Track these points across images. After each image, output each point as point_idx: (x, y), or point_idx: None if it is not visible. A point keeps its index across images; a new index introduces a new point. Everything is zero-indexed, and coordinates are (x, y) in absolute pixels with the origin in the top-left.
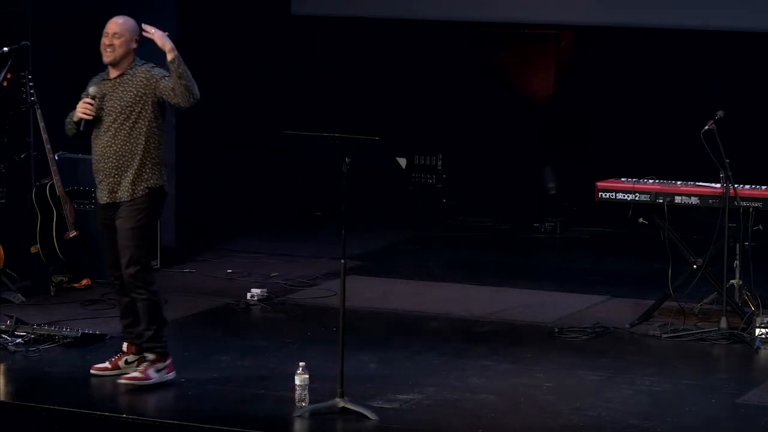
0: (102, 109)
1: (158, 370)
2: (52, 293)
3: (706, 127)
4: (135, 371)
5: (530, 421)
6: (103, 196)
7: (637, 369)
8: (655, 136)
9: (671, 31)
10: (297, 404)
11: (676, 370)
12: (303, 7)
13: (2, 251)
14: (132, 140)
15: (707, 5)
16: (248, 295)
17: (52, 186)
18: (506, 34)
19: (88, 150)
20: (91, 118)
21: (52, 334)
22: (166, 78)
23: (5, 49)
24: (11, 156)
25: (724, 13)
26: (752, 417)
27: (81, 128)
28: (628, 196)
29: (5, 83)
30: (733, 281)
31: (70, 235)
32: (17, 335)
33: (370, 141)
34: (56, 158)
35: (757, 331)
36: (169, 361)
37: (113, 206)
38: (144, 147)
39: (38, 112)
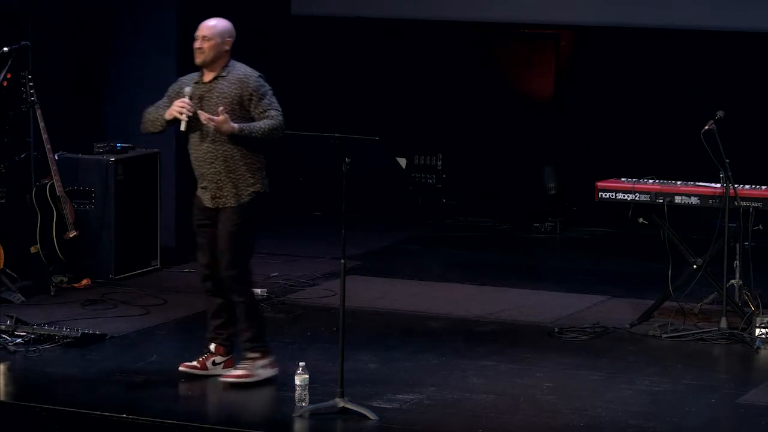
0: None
1: (263, 367)
2: (52, 293)
3: (706, 127)
4: (238, 369)
5: (530, 421)
6: (207, 200)
7: (637, 369)
8: (655, 136)
9: (671, 31)
10: (297, 404)
11: (676, 370)
12: (303, 7)
13: (2, 251)
14: (233, 144)
15: (707, 5)
16: None
17: (52, 186)
18: (506, 34)
19: (87, 150)
20: (186, 118)
21: (52, 334)
22: (257, 106)
23: (5, 49)
24: (11, 156)
25: (724, 13)
26: (752, 417)
27: (180, 129)
28: (628, 196)
29: (5, 83)
30: (733, 281)
31: (70, 235)
32: (17, 335)
33: (370, 141)
34: (56, 158)
35: (757, 331)
36: (272, 358)
37: (216, 211)
38: (246, 151)
39: (38, 112)
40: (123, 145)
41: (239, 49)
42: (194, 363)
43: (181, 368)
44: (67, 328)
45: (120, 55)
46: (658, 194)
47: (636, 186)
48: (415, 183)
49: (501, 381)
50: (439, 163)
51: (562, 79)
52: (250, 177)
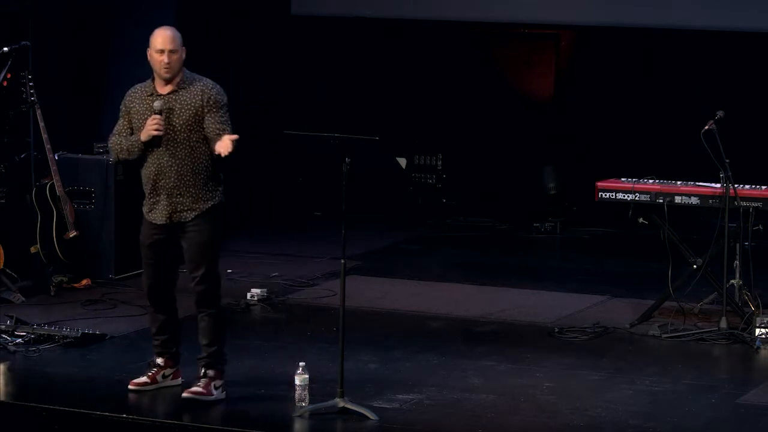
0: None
1: (217, 387)
2: (52, 293)
3: (706, 127)
4: (197, 386)
5: (530, 421)
6: (161, 217)
7: (637, 369)
8: (655, 136)
9: (671, 31)
10: (297, 404)
11: (676, 370)
12: (303, 7)
13: (2, 251)
14: (193, 158)
15: (707, 5)
16: (248, 295)
17: (52, 186)
18: (506, 34)
19: (87, 150)
20: (162, 133)
21: (52, 334)
22: (214, 115)
23: (5, 49)
24: (11, 156)
25: (724, 13)
26: (752, 417)
27: (156, 146)
28: (628, 196)
29: (5, 83)
30: (733, 281)
31: (70, 235)
32: (17, 335)
33: (370, 141)
34: (56, 158)
35: (757, 331)
36: (223, 380)
37: (171, 226)
38: (205, 164)
39: (38, 112)
40: None
41: (240, 49)
42: (144, 379)
43: (131, 386)
44: (67, 328)
45: (120, 55)
46: (658, 194)
47: (636, 186)
48: (415, 183)
49: (501, 381)
50: (439, 163)
51: (562, 79)
52: (208, 190)
